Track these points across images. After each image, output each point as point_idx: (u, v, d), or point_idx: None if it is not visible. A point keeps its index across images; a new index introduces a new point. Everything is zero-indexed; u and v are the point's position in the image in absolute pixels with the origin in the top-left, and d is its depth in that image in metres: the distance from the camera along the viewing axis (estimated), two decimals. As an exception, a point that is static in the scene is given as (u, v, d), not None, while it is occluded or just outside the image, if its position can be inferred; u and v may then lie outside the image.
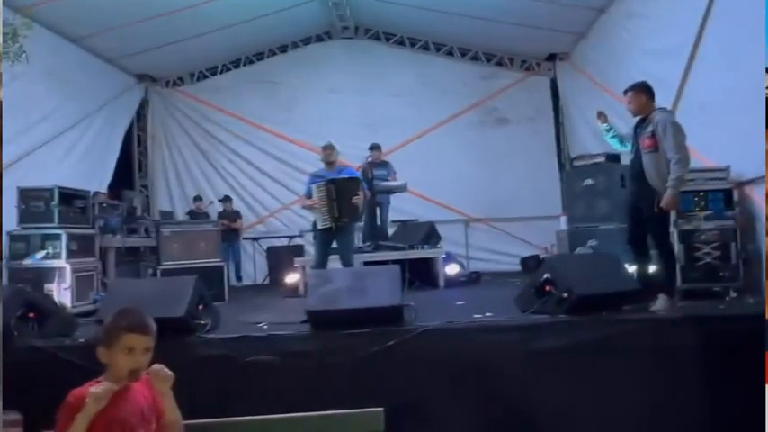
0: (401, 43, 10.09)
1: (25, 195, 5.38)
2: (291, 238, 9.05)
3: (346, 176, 5.40)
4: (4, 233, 5.19)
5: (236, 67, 10.13)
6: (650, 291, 3.92)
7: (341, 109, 9.66)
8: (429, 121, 9.76)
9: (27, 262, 5.18)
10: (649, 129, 3.97)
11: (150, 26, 7.68)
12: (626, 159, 4.80)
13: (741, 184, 4.79)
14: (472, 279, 7.09)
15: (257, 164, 9.85)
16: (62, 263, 5.22)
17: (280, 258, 8.19)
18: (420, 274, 6.39)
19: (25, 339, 3.43)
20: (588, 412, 3.29)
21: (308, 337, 3.51)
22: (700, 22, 5.19)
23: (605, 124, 4.38)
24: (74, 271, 5.27)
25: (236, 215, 9.11)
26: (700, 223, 4.66)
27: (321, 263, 5.37)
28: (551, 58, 9.75)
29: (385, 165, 7.58)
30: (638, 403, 3.31)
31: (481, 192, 9.35)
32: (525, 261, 8.52)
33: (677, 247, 4.54)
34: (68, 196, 5.61)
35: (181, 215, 9.23)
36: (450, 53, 10.05)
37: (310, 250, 8.04)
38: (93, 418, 2.00)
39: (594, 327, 3.48)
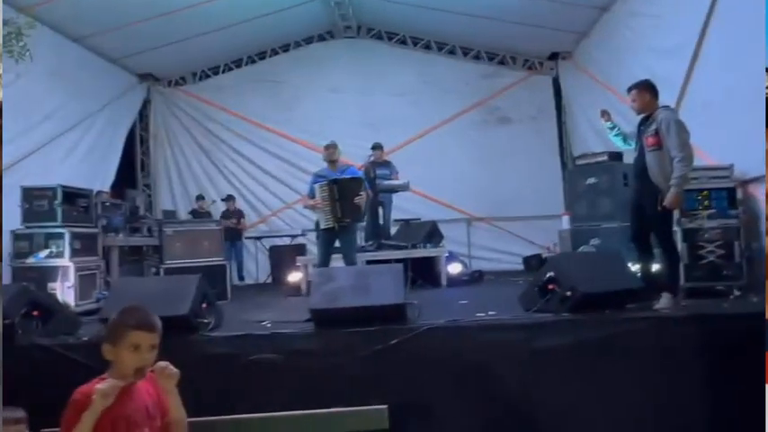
0: (403, 42, 10.09)
1: (29, 194, 5.38)
2: (294, 237, 9.05)
3: (349, 176, 5.40)
4: (8, 232, 5.21)
5: (239, 66, 10.15)
6: (654, 289, 3.92)
7: (343, 108, 9.67)
8: (431, 121, 9.77)
9: (30, 261, 5.19)
10: (653, 127, 3.96)
11: (153, 26, 7.69)
12: (629, 158, 4.79)
13: (744, 183, 4.78)
14: (474, 278, 7.09)
15: (259, 163, 9.87)
16: (65, 261, 5.23)
17: (282, 257, 8.19)
18: (422, 274, 6.38)
19: (29, 337, 3.43)
20: (592, 410, 3.28)
21: (312, 335, 3.51)
22: (703, 20, 5.19)
23: (609, 122, 4.38)
24: (77, 270, 5.27)
25: (239, 214, 9.12)
26: (703, 222, 4.66)
27: (324, 262, 5.37)
28: (554, 56, 9.75)
29: (387, 164, 7.58)
30: (642, 401, 3.30)
31: (483, 191, 9.36)
32: (528, 260, 8.52)
33: (680, 246, 4.53)
34: (71, 195, 5.61)
35: (183, 214, 9.25)
36: (452, 52, 10.05)
37: (313, 249, 8.07)
38: (99, 415, 2.00)
39: (598, 325, 3.47)
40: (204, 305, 3.71)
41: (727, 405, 3.20)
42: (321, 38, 10.14)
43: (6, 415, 2.37)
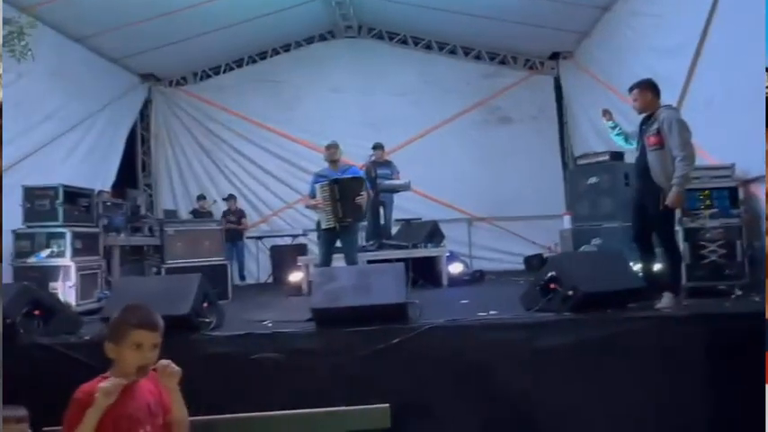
0: (404, 42, 10.09)
1: (30, 194, 5.39)
2: (295, 237, 9.05)
3: (350, 176, 5.40)
4: (9, 231, 5.22)
5: (239, 66, 10.15)
6: (655, 289, 3.91)
7: (344, 108, 9.67)
8: (432, 120, 9.77)
9: (32, 260, 5.19)
10: (655, 126, 3.95)
11: (154, 26, 7.69)
12: (630, 157, 4.79)
13: (746, 182, 4.78)
14: (476, 278, 7.08)
15: (260, 163, 9.87)
16: (67, 261, 5.23)
17: (283, 257, 8.19)
18: (423, 273, 6.37)
19: (30, 337, 3.44)
20: (593, 410, 3.28)
21: (313, 334, 3.51)
22: (705, 19, 5.18)
23: (610, 122, 4.37)
24: (78, 269, 5.28)
25: (240, 214, 9.12)
26: (705, 221, 4.65)
27: (326, 262, 5.36)
28: (555, 56, 9.74)
29: (388, 164, 7.58)
30: (643, 401, 3.30)
31: (484, 191, 9.35)
32: (529, 260, 8.52)
33: (682, 245, 4.52)
34: (73, 195, 5.62)
35: (184, 214, 9.25)
36: (453, 52, 10.05)
37: (314, 249, 8.06)
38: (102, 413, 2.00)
39: (599, 325, 3.47)
40: (205, 304, 3.71)
41: (729, 405, 3.19)
42: (322, 38, 10.14)
43: (8, 413, 2.37)
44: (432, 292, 5.96)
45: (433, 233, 6.95)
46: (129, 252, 6.76)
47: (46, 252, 5.22)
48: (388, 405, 2.30)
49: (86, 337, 3.52)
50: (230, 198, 9.19)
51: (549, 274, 3.81)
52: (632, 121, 4.38)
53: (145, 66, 9.31)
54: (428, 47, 10.05)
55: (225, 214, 8.77)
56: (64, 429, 2.07)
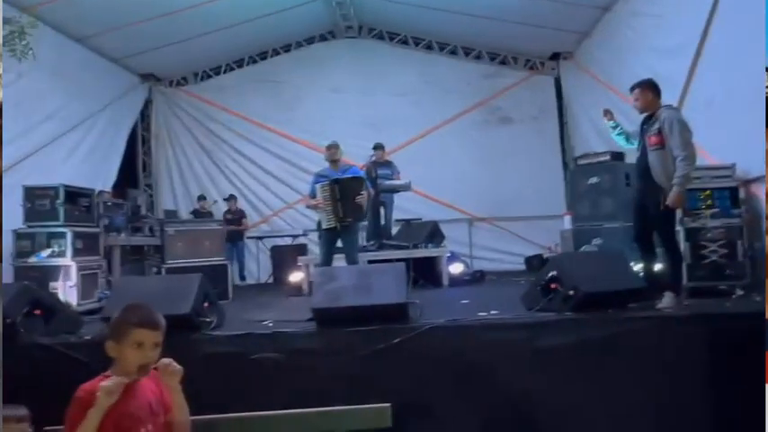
0: (404, 42, 10.09)
1: (31, 194, 5.39)
2: (295, 237, 9.05)
3: (350, 176, 5.40)
4: (10, 231, 5.22)
5: (240, 66, 10.16)
6: (656, 289, 3.90)
7: (344, 108, 9.67)
8: (432, 121, 9.77)
9: (32, 260, 5.19)
10: (656, 126, 3.95)
11: (154, 26, 7.70)
12: (631, 157, 4.79)
13: (747, 182, 4.77)
14: (476, 278, 7.08)
15: (261, 163, 9.88)
16: (67, 261, 5.23)
17: (283, 257, 8.19)
18: (424, 273, 6.37)
19: (31, 336, 3.43)
20: (594, 410, 3.28)
21: (314, 334, 3.51)
22: (706, 18, 5.18)
23: (611, 122, 4.37)
24: (79, 269, 5.28)
25: (240, 214, 9.13)
26: (706, 221, 4.65)
27: (326, 262, 5.36)
28: (555, 56, 9.75)
29: (389, 164, 7.58)
30: (644, 401, 3.29)
31: (485, 191, 9.36)
32: (529, 260, 8.51)
33: (683, 245, 4.52)
34: (73, 195, 5.62)
35: (185, 214, 9.25)
36: (453, 52, 10.06)
37: (314, 249, 8.07)
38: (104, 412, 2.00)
39: (600, 324, 3.47)
40: (206, 304, 3.71)
41: (730, 405, 3.19)
42: (322, 38, 10.15)
43: (9, 413, 2.37)
44: (432, 292, 5.96)
45: (434, 233, 6.95)
46: (130, 252, 6.76)
47: (46, 252, 5.22)
48: (388, 405, 2.29)
49: (87, 337, 3.52)
50: (231, 198, 9.20)
51: (550, 274, 3.81)
52: (633, 120, 4.38)
53: (145, 66, 9.32)
54: (429, 47, 10.05)
55: (226, 214, 8.76)
56: (66, 428, 2.07)
